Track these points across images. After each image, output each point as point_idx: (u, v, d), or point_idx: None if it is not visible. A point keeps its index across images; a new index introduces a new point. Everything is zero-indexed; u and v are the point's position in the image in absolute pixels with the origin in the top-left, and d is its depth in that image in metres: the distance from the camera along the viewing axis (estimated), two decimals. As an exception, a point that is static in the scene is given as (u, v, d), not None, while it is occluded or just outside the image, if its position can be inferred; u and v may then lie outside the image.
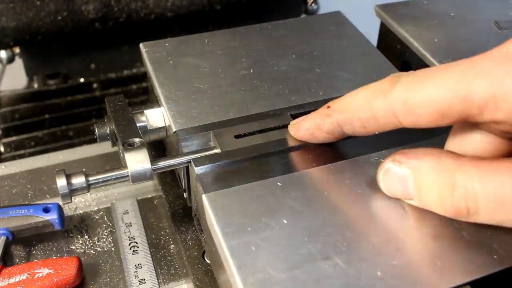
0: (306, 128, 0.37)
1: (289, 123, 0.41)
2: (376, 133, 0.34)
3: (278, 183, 0.35)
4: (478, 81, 0.28)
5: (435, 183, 0.30)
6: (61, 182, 0.38)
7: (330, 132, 0.36)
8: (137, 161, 0.38)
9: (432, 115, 0.30)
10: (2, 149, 0.66)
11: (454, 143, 0.33)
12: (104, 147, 0.54)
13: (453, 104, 0.29)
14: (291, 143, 0.39)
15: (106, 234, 0.48)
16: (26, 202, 0.50)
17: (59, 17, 0.60)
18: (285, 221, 0.33)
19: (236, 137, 0.40)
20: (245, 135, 0.40)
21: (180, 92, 0.43)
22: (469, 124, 0.32)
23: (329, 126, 0.36)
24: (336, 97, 0.42)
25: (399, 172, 0.32)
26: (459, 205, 0.29)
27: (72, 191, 0.39)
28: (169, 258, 0.46)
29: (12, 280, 0.41)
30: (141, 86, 0.72)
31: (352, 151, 0.38)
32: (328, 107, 0.36)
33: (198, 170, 0.37)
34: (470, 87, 0.28)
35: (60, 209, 0.45)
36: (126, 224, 0.48)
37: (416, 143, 0.39)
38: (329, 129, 0.36)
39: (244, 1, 0.67)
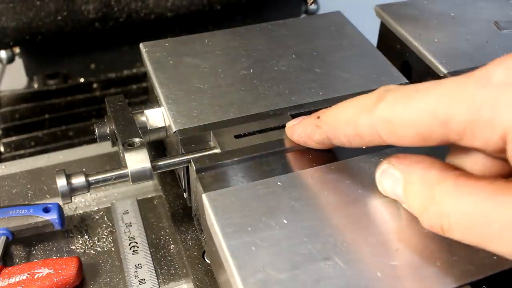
0: (299, 135, 0.38)
1: (289, 123, 0.41)
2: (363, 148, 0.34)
3: (278, 183, 0.35)
4: (457, 106, 0.27)
5: (419, 194, 0.30)
6: (61, 182, 0.38)
7: (320, 142, 0.37)
8: (137, 161, 0.38)
9: (414, 137, 0.30)
10: (2, 149, 0.66)
11: (455, 156, 0.32)
12: (104, 147, 0.54)
13: (433, 127, 0.28)
14: (291, 143, 0.39)
15: (106, 234, 0.48)
16: (26, 202, 0.50)
17: (59, 17, 0.60)
18: (285, 221, 0.33)
19: (236, 137, 0.40)
20: (245, 135, 0.40)
21: (180, 92, 0.43)
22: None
23: (319, 137, 0.36)
24: (336, 97, 0.42)
25: (393, 175, 0.32)
26: (434, 221, 0.29)
27: (72, 191, 0.39)
28: (169, 258, 0.46)
29: (12, 280, 0.41)
30: (141, 86, 0.72)
31: (352, 151, 0.38)
32: (318, 117, 0.36)
33: (198, 170, 0.37)
34: (449, 112, 0.28)
35: (60, 209, 0.45)
36: (126, 224, 0.48)
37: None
38: (318, 140, 0.36)
39: (244, 1, 0.67)
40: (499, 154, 0.28)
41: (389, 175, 0.32)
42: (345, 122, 0.33)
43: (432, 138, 0.29)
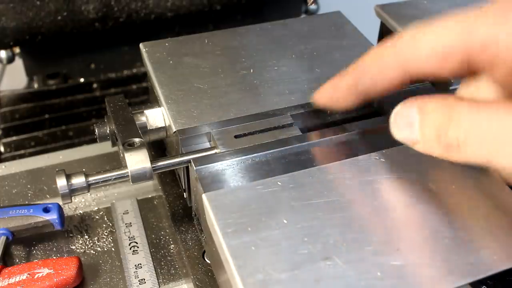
0: (327, 91, 0.38)
1: (289, 123, 0.41)
2: (385, 94, 0.36)
3: (278, 183, 0.35)
4: (483, 19, 0.30)
5: (436, 119, 0.31)
6: (61, 182, 0.38)
7: (348, 89, 0.37)
8: (137, 161, 0.38)
9: (436, 56, 0.31)
10: (2, 149, 0.66)
11: (466, 90, 0.34)
12: (104, 147, 0.54)
13: (458, 40, 0.31)
14: (291, 143, 0.39)
15: (106, 234, 0.48)
16: (26, 202, 0.50)
17: (59, 17, 0.60)
18: (285, 221, 0.33)
19: (236, 137, 0.40)
20: (245, 135, 0.40)
21: (180, 92, 0.43)
22: (475, 78, 0.33)
23: (346, 83, 0.37)
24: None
25: (407, 113, 0.32)
26: (450, 140, 0.30)
27: (72, 191, 0.39)
28: (169, 258, 0.46)
29: (12, 280, 0.41)
30: (141, 86, 0.72)
31: (352, 151, 0.38)
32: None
33: (198, 170, 0.37)
34: (474, 24, 0.30)
35: (60, 209, 0.45)
36: (126, 224, 0.48)
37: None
38: (346, 85, 0.37)
39: (244, 1, 0.67)
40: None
41: (403, 115, 0.33)
42: (371, 59, 0.35)
43: (455, 53, 0.31)
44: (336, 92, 0.38)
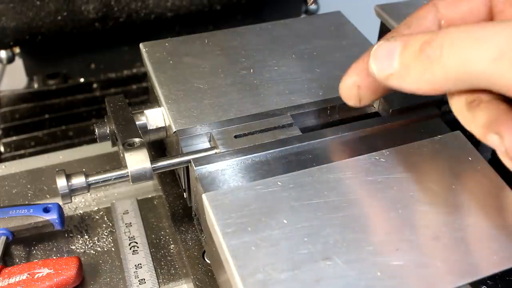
0: (352, 69, 0.37)
1: (289, 123, 0.41)
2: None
3: (278, 183, 0.35)
4: None
5: (420, 38, 0.30)
6: (61, 182, 0.38)
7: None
8: (137, 161, 0.38)
9: None
10: (2, 149, 0.66)
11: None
12: (104, 147, 0.54)
13: None
14: (291, 143, 0.39)
15: (106, 234, 0.48)
16: (26, 202, 0.50)
17: (59, 17, 0.60)
18: (285, 221, 0.33)
19: (236, 137, 0.40)
20: (245, 135, 0.40)
21: (180, 92, 0.43)
22: None
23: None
24: (336, 97, 0.42)
25: (391, 43, 0.32)
26: (436, 45, 0.29)
27: (72, 191, 0.39)
28: (169, 258, 0.46)
29: (12, 280, 0.41)
30: (141, 86, 0.72)
31: (353, 151, 0.38)
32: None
33: (198, 170, 0.37)
34: None
35: (60, 209, 0.45)
36: (126, 224, 0.48)
37: (416, 143, 0.39)
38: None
39: (244, 1, 0.67)
40: None
41: (386, 45, 0.32)
42: (414, 17, 0.35)
43: None
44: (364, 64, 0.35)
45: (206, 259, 0.42)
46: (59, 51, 0.69)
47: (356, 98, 0.36)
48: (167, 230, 0.48)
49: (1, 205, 0.49)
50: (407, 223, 0.33)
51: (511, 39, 0.27)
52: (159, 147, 0.50)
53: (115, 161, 0.54)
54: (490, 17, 0.33)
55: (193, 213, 0.43)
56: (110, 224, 0.49)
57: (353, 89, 0.36)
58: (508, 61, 0.27)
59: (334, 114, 0.43)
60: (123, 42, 0.71)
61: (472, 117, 0.32)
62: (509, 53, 0.27)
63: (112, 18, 0.62)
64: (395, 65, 0.31)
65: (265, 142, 0.39)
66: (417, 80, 0.31)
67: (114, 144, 0.44)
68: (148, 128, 0.44)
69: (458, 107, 0.33)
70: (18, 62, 0.69)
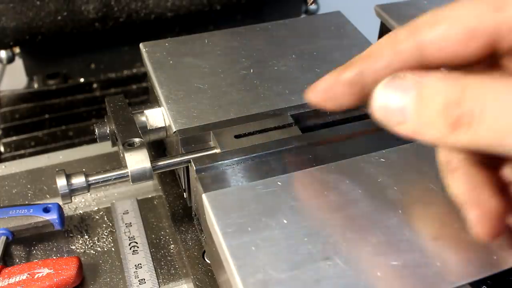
0: (323, 87, 0.33)
1: (289, 123, 0.41)
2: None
3: (278, 183, 0.35)
4: None
5: (443, 89, 0.27)
6: (61, 182, 0.38)
7: (350, 82, 0.31)
8: (137, 161, 0.38)
9: (458, 35, 0.27)
10: (2, 149, 0.66)
11: None
12: (104, 147, 0.54)
13: (484, 16, 0.27)
14: (291, 143, 0.39)
15: (106, 234, 0.48)
16: (26, 202, 0.50)
17: (59, 17, 0.60)
18: (285, 221, 0.33)
19: (236, 137, 0.40)
20: (245, 135, 0.40)
21: (180, 92, 0.43)
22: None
23: (350, 75, 0.31)
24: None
25: (401, 84, 0.28)
26: (466, 110, 0.26)
27: (72, 191, 0.39)
28: (169, 258, 0.46)
29: (12, 280, 0.41)
30: (141, 86, 0.72)
31: (352, 151, 0.38)
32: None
33: (198, 170, 0.37)
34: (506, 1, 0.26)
35: (60, 209, 0.45)
36: (126, 224, 0.48)
37: (416, 143, 0.39)
38: (349, 78, 0.31)
39: (244, 1, 0.67)
40: None
41: (395, 85, 0.28)
42: (383, 45, 0.30)
43: (480, 34, 0.27)
44: (335, 88, 0.32)
45: (206, 259, 0.42)
46: (59, 51, 0.69)
47: (331, 108, 0.33)
48: (167, 230, 0.48)
49: (1, 205, 0.49)
50: (407, 223, 0.33)
51: None
52: (159, 147, 0.50)
53: (115, 161, 0.54)
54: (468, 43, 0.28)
55: (193, 213, 0.43)
56: (110, 224, 0.49)
57: (327, 102, 0.33)
58: None
59: (334, 114, 0.43)
60: (123, 42, 0.71)
61: (447, 181, 0.31)
62: None
63: (112, 18, 0.62)
64: (410, 116, 0.28)
65: (265, 142, 0.39)
66: (439, 138, 0.27)
67: (114, 144, 0.44)
68: (148, 128, 0.44)
69: (439, 158, 0.32)
70: (18, 62, 0.69)
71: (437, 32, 0.28)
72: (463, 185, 0.30)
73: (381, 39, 0.31)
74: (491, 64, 0.29)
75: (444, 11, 0.28)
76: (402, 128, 0.28)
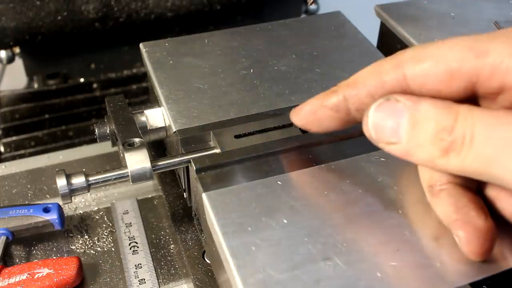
0: (308, 110, 0.34)
1: (289, 123, 0.41)
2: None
3: (278, 183, 0.35)
4: (497, 41, 0.27)
5: (434, 117, 0.28)
6: (61, 182, 0.38)
7: (335, 108, 0.32)
8: (137, 161, 0.38)
9: (441, 74, 0.28)
10: (2, 149, 0.66)
11: None
12: (104, 147, 0.54)
13: (466, 60, 0.28)
14: (291, 143, 0.39)
15: (106, 234, 0.48)
16: (26, 202, 0.50)
17: (59, 17, 0.60)
18: (285, 221, 0.33)
19: (236, 137, 0.40)
20: (245, 135, 0.40)
21: (180, 92, 0.43)
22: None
23: (335, 100, 0.32)
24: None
25: (394, 106, 0.29)
26: (458, 135, 0.27)
27: (72, 191, 0.39)
28: (169, 258, 0.46)
29: (12, 280, 0.41)
30: (141, 86, 0.72)
31: (352, 151, 0.38)
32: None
33: (198, 170, 0.37)
34: (488, 46, 0.27)
35: (60, 209, 0.45)
36: (126, 224, 0.48)
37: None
38: (334, 104, 0.32)
39: (244, 1, 0.67)
40: None
41: (388, 107, 0.29)
42: (367, 73, 0.31)
43: (460, 75, 0.28)
44: (322, 110, 0.33)
45: (206, 259, 0.42)
46: (59, 51, 0.69)
47: (315, 130, 0.35)
48: (167, 230, 0.48)
49: (1, 205, 0.49)
50: (407, 223, 0.33)
51: None
52: (159, 147, 0.50)
53: (115, 161, 0.54)
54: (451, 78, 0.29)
55: (193, 213, 0.43)
56: (110, 224, 0.49)
57: (312, 125, 0.34)
58: None
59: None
60: (123, 42, 0.71)
61: (432, 204, 0.32)
62: None
63: (112, 18, 0.62)
64: (402, 138, 0.29)
65: (265, 142, 0.39)
66: (429, 160, 0.28)
67: (114, 144, 0.44)
68: (148, 128, 0.44)
69: (422, 183, 0.33)
70: (18, 62, 0.69)
71: (420, 68, 0.29)
72: (448, 206, 0.31)
73: (366, 68, 0.32)
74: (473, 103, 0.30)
75: (429, 49, 0.29)
76: (394, 149, 0.30)
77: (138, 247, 0.46)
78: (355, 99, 0.32)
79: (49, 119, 0.69)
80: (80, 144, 0.66)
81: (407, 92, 0.30)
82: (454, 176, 0.31)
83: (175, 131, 0.40)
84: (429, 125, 0.28)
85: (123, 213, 0.49)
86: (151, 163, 0.39)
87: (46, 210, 0.45)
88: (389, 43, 0.53)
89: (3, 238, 0.44)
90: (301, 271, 0.30)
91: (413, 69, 0.29)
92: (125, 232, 0.47)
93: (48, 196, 0.51)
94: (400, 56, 0.30)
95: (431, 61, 0.29)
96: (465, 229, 0.30)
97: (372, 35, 0.53)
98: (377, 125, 0.30)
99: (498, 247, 0.31)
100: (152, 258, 0.45)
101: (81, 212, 0.50)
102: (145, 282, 0.43)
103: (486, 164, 0.27)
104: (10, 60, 0.67)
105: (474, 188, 0.32)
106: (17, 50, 0.68)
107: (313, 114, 0.34)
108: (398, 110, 0.29)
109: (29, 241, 0.47)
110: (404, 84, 0.30)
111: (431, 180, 0.32)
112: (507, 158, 0.26)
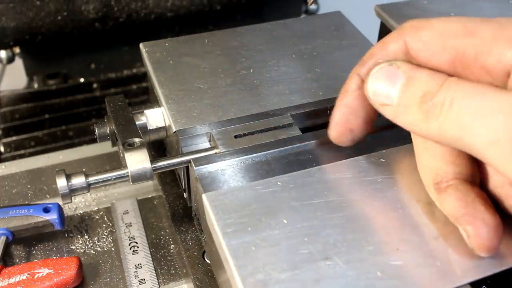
0: (339, 115, 0.35)
1: (289, 123, 0.41)
2: None
3: (278, 183, 0.35)
4: (487, 25, 0.29)
5: (425, 82, 0.30)
6: (61, 182, 0.38)
7: (357, 91, 0.34)
8: (137, 161, 0.38)
9: (434, 43, 0.30)
10: (2, 149, 0.66)
11: None
12: (104, 147, 0.54)
13: (457, 36, 0.30)
14: (291, 143, 0.39)
15: (106, 234, 0.48)
16: (26, 202, 0.50)
17: (59, 17, 0.60)
18: (285, 221, 0.33)
19: (236, 137, 0.40)
20: (245, 135, 0.40)
21: (180, 92, 0.43)
22: None
23: (353, 86, 0.34)
24: (336, 98, 0.42)
25: (394, 71, 0.31)
26: (438, 100, 0.29)
27: (72, 191, 0.39)
28: (169, 258, 0.46)
29: (12, 280, 0.41)
30: (141, 86, 0.72)
31: (352, 151, 0.38)
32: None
33: (198, 170, 0.37)
34: (478, 27, 0.29)
35: (60, 209, 0.45)
36: (126, 224, 0.48)
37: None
38: (357, 85, 0.34)
39: (244, 1, 0.67)
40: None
41: (388, 72, 0.31)
42: (376, 46, 0.34)
43: (450, 47, 0.30)
44: (350, 98, 0.35)
45: (206, 259, 0.42)
46: (59, 51, 0.69)
47: (349, 142, 0.36)
48: (167, 230, 0.48)
49: (1, 205, 0.49)
50: (407, 223, 0.33)
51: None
52: (159, 147, 0.50)
53: (115, 161, 0.54)
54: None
55: (193, 213, 0.43)
56: (110, 224, 0.49)
57: (346, 135, 0.36)
58: (505, 147, 0.26)
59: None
60: (123, 42, 0.71)
61: (439, 201, 0.32)
62: (504, 141, 0.26)
63: (112, 18, 0.62)
64: (394, 100, 0.31)
65: (265, 142, 0.39)
66: (413, 123, 0.30)
67: (114, 144, 0.44)
68: (148, 128, 0.44)
69: (425, 182, 0.34)
70: (18, 62, 0.69)
71: (418, 36, 0.31)
72: (456, 201, 0.31)
73: (375, 44, 0.34)
74: None
75: (429, 20, 0.32)
76: (385, 110, 0.32)
77: (138, 247, 0.46)
78: (365, 73, 0.34)
79: (49, 119, 0.69)
80: (80, 144, 0.66)
81: (408, 61, 0.32)
82: (459, 171, 0.32)
83: (175, 131, 0.40)
84: (418, 90, 0.30)
85: (123, 213, 0.49)
86: (151, 163, 0.39)
87: (46, 210, 0.45)
88: (389, 43, 0.52)
89: (3, 238, 0.44)
90: (301, 271, 0.30)
91: (413, 36, 0.31)
92: (125, 232, 0.47)
93: (48, 196, 0.51)
94: (402, 26, 0.32)
95: (428, 30, 0.31)
96: (474, 224, 0.30)
97: (372, 35, 0.53)
98: (375, 87, 0.32)
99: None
100: (152, 258, 0.45)
101: (81, 212, 0.50)
102: (145, 282, 0.43)
103: (462, 131, 0.28)
104: (10, 60, 0.67)
105: (479, 184, 0.32)
106: (17, 50, 0.68)
107: (346, 116, 0.35)
108: (396, 75, 0.31)
109: (29, 241, 0.47)
110: (406, 52, 0.32)
111: (436, 177, 0.32)
112: (481, 126, 0.27)
